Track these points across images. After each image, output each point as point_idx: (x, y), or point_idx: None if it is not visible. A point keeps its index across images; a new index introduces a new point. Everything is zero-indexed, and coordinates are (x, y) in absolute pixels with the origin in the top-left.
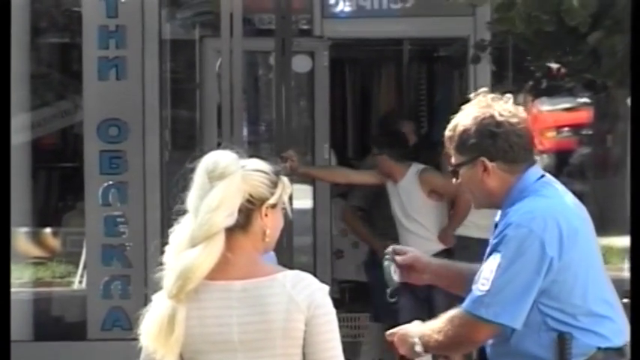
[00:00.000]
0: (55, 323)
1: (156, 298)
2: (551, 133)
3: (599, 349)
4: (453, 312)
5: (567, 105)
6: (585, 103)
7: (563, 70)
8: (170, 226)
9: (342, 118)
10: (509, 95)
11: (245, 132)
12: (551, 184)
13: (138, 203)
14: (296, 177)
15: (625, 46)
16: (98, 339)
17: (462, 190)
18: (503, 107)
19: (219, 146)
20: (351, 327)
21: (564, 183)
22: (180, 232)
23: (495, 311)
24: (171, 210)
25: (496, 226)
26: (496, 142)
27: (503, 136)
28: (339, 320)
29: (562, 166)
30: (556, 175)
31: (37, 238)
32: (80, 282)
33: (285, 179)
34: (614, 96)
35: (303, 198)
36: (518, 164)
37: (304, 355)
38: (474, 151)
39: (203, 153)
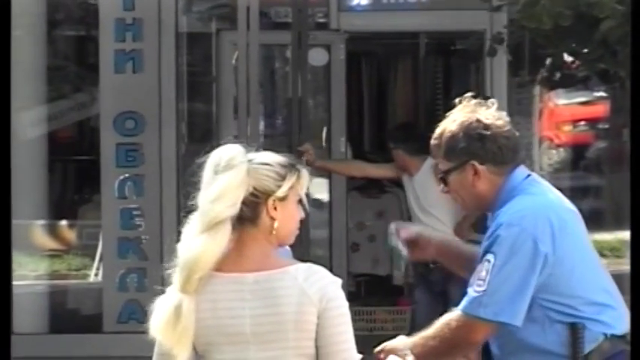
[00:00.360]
0: (71, 316)
1: (167, 291)
2: (568, 127)
3: (605, 336)
4: (447, 316)
5: (583, 99)
6: (601, 97)
7: (577, 62)
8: (186, 219)
9: (358, 112)
10: (493, 100)
11: (261, 125)
12: (537, 182)
13: (154, 196)
14: (312, 170)
15: None
16: (114, 332)
17: (452, 196)
18: (488, 112)
19: (235, 139)
20: (367, 320)
21: (581, 177)
22: (189, 226)
23: (494, 310)
24: (186, 202)
25: (486, 228)
26: (485, 145)
27: (492, 138)
28: (355, 314)
29: (578, 161)
30: (573, 170)
31: (53, 231)
32: (96, 275)
33: (302, 172)
34: (628, 87)
35: (319, 191)
36: (506, 166)
37: (317, 348)
38: (464, 156)
39: (218, 146)
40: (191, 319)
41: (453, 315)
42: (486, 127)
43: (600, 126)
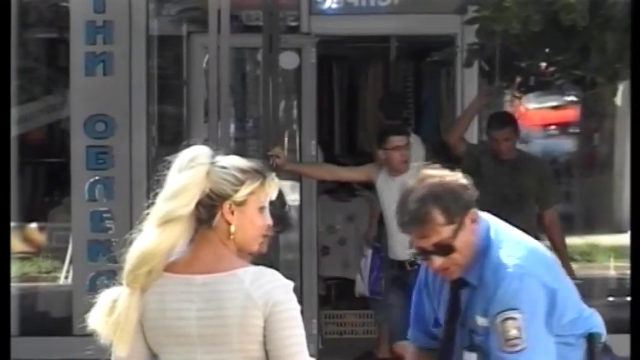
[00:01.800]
0: (41, 318)
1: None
2: (539, 132)
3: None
4: None
5: (554, 103)
6: (572, 102)
7: (552, 68)
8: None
9: (329, 115)
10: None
11: (232, 128)
12: (499, 226)
13: (124, 199)
14: (283, 174)
15: (615, 43)
16: (84, 334)
17: (454, 261)
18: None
19: (206, 142)
20: (337, 324)
21: None
22: (145, 222)
23: None
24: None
25: (463, 282)
26: (472, 192)
27: (468, 185)
28: (325, 317)
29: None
30: None
31: (23, 233)
32: (66, 277)
33: (268, 180)
34: (603, 93)
35: (290, 195)
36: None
37: (267, 352)
38: (462, 209)
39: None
40: (128, 314)
41: None
42: (459, 176)
43: (571, 130)
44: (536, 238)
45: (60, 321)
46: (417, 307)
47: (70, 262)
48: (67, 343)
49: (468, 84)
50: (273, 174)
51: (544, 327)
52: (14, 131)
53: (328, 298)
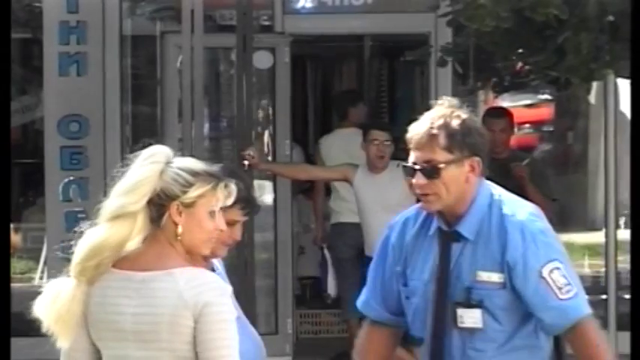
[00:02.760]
0: (15, 319)
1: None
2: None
3: None
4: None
5: (528, 101)
6: (546, 100)
7: (526, 67)
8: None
9: (303, 115)
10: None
11: (206, 128)
12: (503, 195)
13: (99, 199)
14: (257, 173)
15: (589, 43)
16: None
17: (435, 189)
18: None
19: (180, 142)
20: (313, 323)
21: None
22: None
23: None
24: None
25: (453, 233)
26: (485, 145)
27: (487, 138)
28: (300, 317)
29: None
30: None
31: None
32: (41, 278)
33: (221, 184)
34: (577, 92)
35: (264, 194)
36: (485, 168)
37: (197, 353)
38: (468, 150)
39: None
40: (71, 305)
41: (580, 327)
42: (482, 126)
43: (545, 129)
44: None
45: (34, 322)
46: (376, 276)
47: (45, 262)
48: (41, 344)
49: (442, 82)
50: (231, 180)
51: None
52: None
53: (303, 298)
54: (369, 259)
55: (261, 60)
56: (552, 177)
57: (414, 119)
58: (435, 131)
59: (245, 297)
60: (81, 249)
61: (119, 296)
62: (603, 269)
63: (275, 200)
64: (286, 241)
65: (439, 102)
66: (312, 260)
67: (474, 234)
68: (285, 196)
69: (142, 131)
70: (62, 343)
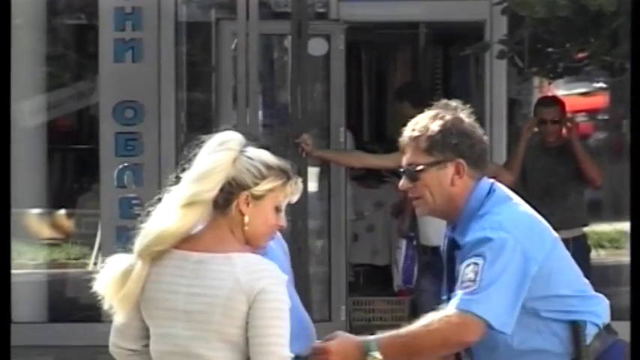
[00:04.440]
0: (70, 305)
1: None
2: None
3: (599, 328)
4: (434, 315)
5: (583, 90)
6: (601, 88)
7: (581, 54)
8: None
9: (357, 102)
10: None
11: (260, 115)
12: (505, 192)
13: (153, 185)
14: (311, 160)
15: None
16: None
17: (418, 192)
18: (467, 116)
19: (234, 127)
20: (366, 310)
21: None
22: (169, 196)
23: (488, 308)
24: None
25: (453, 241)
26: (474, 146)
27: (478, 140)
28: (354, 304)
29: None
30: None
31: (52, 220)
32: (95, 264)
33: (292, 181)
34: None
35: (318, 181)
36: (480, 171)
37: (248, 339)
38: (451, 152)
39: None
40: (136, 286)
41: (442, 313)
42: (473, 128)
43: (600, 117)
44: (584, 224)
45: (89, 307)
46: None
47: (99, 248)
48: (96, 330)
49: (497, 70)
50: (299, 178)
51: (508, 283)
52: (43, 118)
53: (357, 285)
54: (424, 247)
55: (316, 47)
56: (607, 165)
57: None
58: (415, 133)
59: (299, 284)
60: (151, 234)
61: (174, 275)
62: None
63: (329, 187)
64: (340, 229)
65: (437, 104)
66: (366, 247)
67: (463, 240)
68: (339, 183)
69: (197, 118)
70: (119, 318)
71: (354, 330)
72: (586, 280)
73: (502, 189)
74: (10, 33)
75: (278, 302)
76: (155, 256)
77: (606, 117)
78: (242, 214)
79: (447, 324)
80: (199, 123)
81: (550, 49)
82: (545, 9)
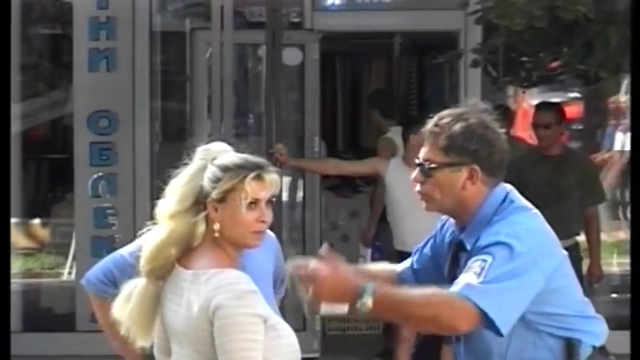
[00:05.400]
0: (45, 314)
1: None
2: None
3: (594, 348)
4: (437, 289)
5: (558, 99)
6: (576, 98)
7: (555, 63)
8: None
9: (332, 111)
10: (490, 109)
11: (235, 124)
12: (522, 201)
13: (127, 195)
14: (285, 170)
15: (618, 36)
16: (87, 330)
17: (428, 189)
18: (493, 119)
19: (209, 137)
20: (340, 320)
21: None
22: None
23: (487, 301)
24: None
25: (460, 243)
26: (493, 155)
27: (499, 149)
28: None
29: None
30: None
31: (26, 229)
32: (69, 273)
33: (250, 175)
34: (606, 89)
35: (292, 191)
36: (497, 179)
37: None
38: (467, 157)
39: (193, 145)
40: (142, 304)
41: (446, 291)
42: (497, 136)
43: (574, 127)
44: (577, 233)
45: (63, 317)
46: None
47: (74, 258)
48: (71, 339)
49: (471, 80)
50: (268, 170)
51: (513, 287)
52: (18, 127)
53: None
54: (400, 253)
55: (291, 57)
56: None
57: None
58: (437, 129)
59: None
60: (146, 249)
61: (169, 292)
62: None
63: (304, 197)
64: (314, 238)
65: (468, 101)
66: (340, 257)
67: (472, 245)
68: (314, 192)
69: (171, 127)
70: (141, 342)
71: (328, 340)
72: (587, 299)
73: (519, 198)
74: (10, 34)
75: (237, 316)
76: (160, 273)
77: (580, 127)
78: (213, 221)
79: (444, 303)
80: (174, 132)
81: (524, 59)
82: (524, 20)
